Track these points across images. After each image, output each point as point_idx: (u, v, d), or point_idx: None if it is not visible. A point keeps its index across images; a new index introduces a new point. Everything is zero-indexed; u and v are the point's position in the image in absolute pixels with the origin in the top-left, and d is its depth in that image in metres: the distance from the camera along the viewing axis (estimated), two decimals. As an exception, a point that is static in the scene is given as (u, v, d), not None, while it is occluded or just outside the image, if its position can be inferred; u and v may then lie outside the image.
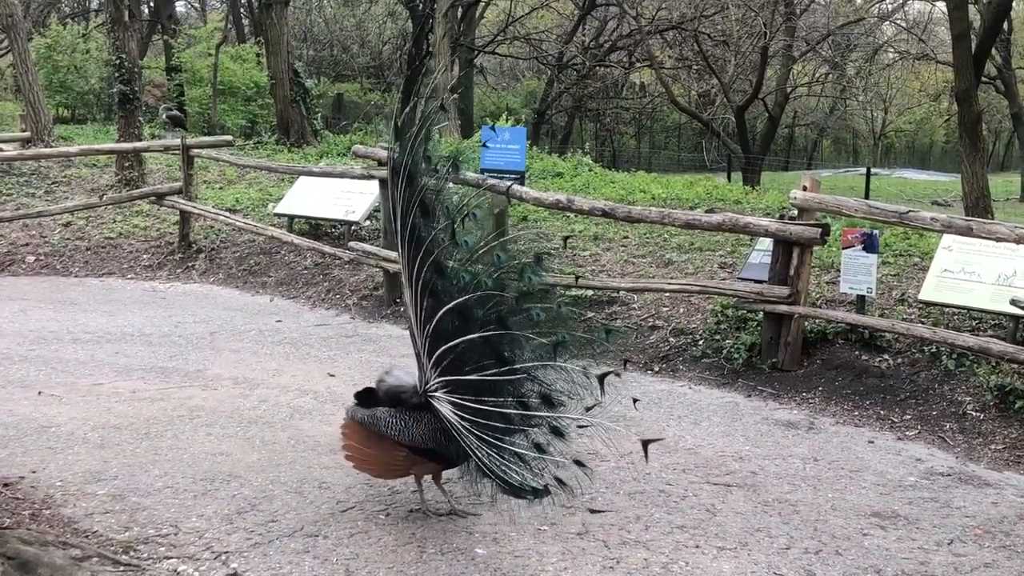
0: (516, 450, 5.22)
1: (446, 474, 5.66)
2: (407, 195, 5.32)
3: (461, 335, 5.21)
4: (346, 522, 5.50)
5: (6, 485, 5.85)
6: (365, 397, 5.62)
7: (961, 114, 16.70)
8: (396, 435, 5.38)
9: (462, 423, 5.18)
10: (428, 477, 5.66)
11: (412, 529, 5.43)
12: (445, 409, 5.24)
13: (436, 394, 5.30)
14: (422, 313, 5.32)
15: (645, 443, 5.26)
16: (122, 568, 4.72)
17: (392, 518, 5.58)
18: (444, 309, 5.22)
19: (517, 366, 5.19)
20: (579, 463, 5.27)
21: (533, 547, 5.23)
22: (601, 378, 5.16)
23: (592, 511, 5.66)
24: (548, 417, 5.22)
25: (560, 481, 5.26)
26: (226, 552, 5.09)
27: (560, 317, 5.40)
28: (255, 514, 5.59)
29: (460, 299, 5.23)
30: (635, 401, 6.00)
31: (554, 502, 5.33)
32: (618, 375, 5.25)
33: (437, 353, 5.27)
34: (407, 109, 5.50)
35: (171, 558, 5.01)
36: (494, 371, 5.19)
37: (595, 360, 5.32)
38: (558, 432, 5.25)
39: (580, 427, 5.26)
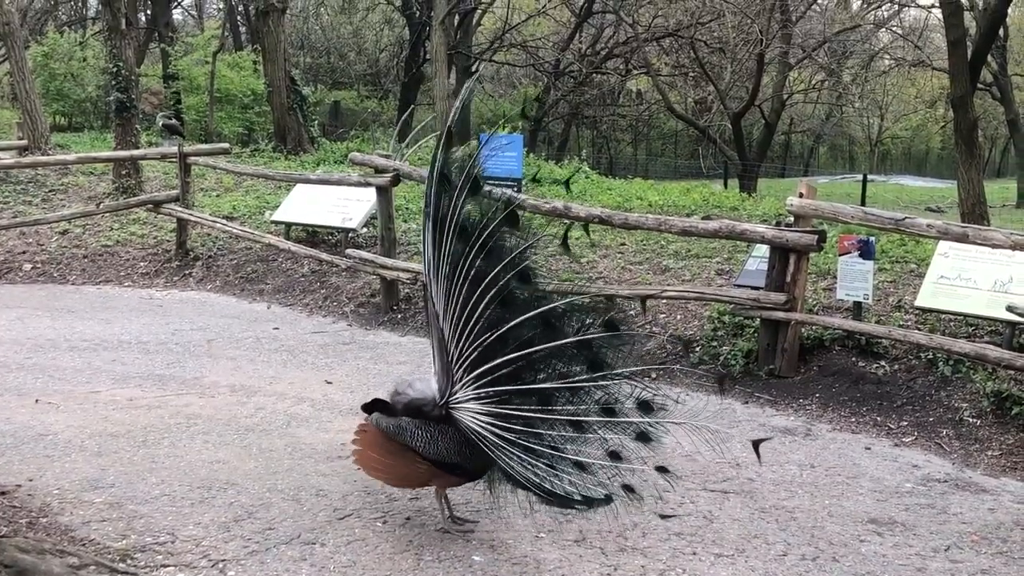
0: (580, 459, 5.14)
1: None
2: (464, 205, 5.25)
3: (543, 342, 5.12)
4: (343, 530, 5.50)
5: (3, 493, 5.85)
6: (380, 407, 5.52)
7: (957, 120, 16.70)
8: (422, 448, 5.27)
9: (498, 434, 5.08)
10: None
11: (409, 536, 5.43)
12: (474, 421, 5.15)
13: (464, 405, 5.21)
14: (467, 324, 5.18)
15: (756, 443, 5.34)
16: (119, 576, 4.72)
17: (389, 525, 5.58)
18: (522, 318, 5.13)
19: (617, 371, 5.11)
20: (662, 469, 5.21)
21: (531, 554, 5.23)
22: (756, 444, 5.18)
23: (663, 516, 5.65)
24: (640, 423, 5.13)
25: (629, 488, 5.18)
26: (223, 560, 5.09)
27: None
28: (252, 522, 5.58)
29: (546, 307, 5.17)
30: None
31: (617, 510, 5.25)
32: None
33: (487, 365, 5.14)
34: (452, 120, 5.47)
35: (168, 566, 5.01)
36: (582, 378, 5.11)
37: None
38: (644, 437, 5.15)
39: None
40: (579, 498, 5.14)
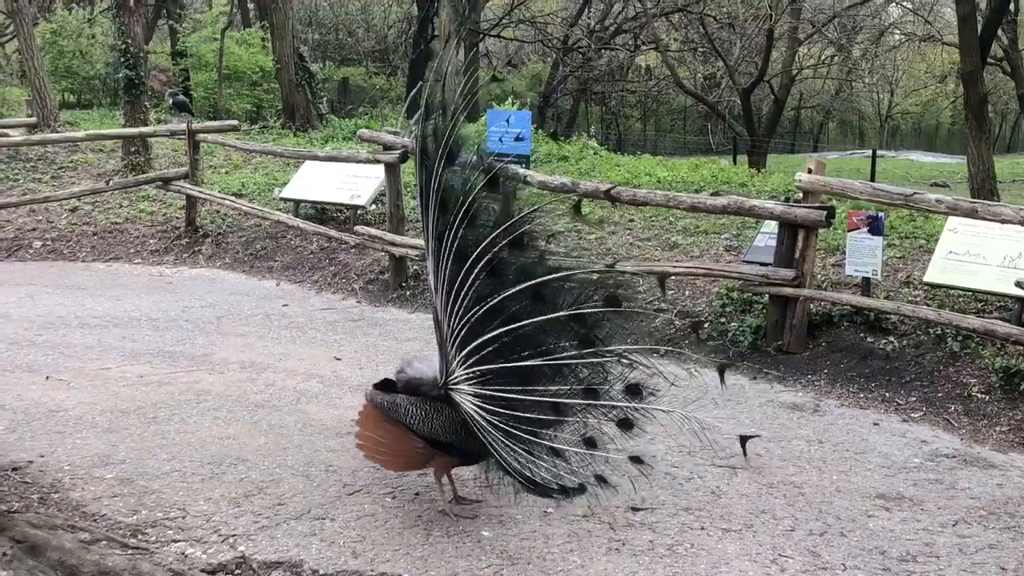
0: (555, 445, 5.09)
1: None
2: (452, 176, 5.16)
3: (531, 317, 5.01)
4: (353, 505, 5.53)
5: (15, 469, 5.88)
6: (384, 388, 5.49)
7: (967, 96, 16.64)
8: (415, 425, 5.19)
9: (485, 417, 5.01)
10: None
11: (419, 512, 5.45)
12: (467, 403, 5.08)
13: (459, 387, 5.12)
14: (456, 299, 5.08)
15: (743, 440, 5.35)
16: (130, 551, 4.75)
17: (398, 501, 5.60)
18: (511, 291, 5.02)
19: (608, 347, 5.03)
20: (636, 459, 5.18)
21: (539, 529, 5.25)
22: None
23: (635, 509, 5.53)
24: (625, 407, 5.06)
25: (602, 479, 5.17)
26: (233, 535, 5.12)
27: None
28: (262, 497, 5.61)
29: (537, 280, 5.04)
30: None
31: (589, 502, 5.27)
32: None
33: (476, 341, 5.04)
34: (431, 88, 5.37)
35: (179, 541, 5.04)
36: (571, 354, 5.02)
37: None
38: (627, 424, 5.10)
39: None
40: (556, 487, 5.12)
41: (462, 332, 5.08)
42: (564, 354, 5.06)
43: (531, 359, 5.02)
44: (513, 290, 5.02)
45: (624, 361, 5.09)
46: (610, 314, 5.07)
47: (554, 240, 5.32)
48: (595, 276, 5.33)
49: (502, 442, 5.02)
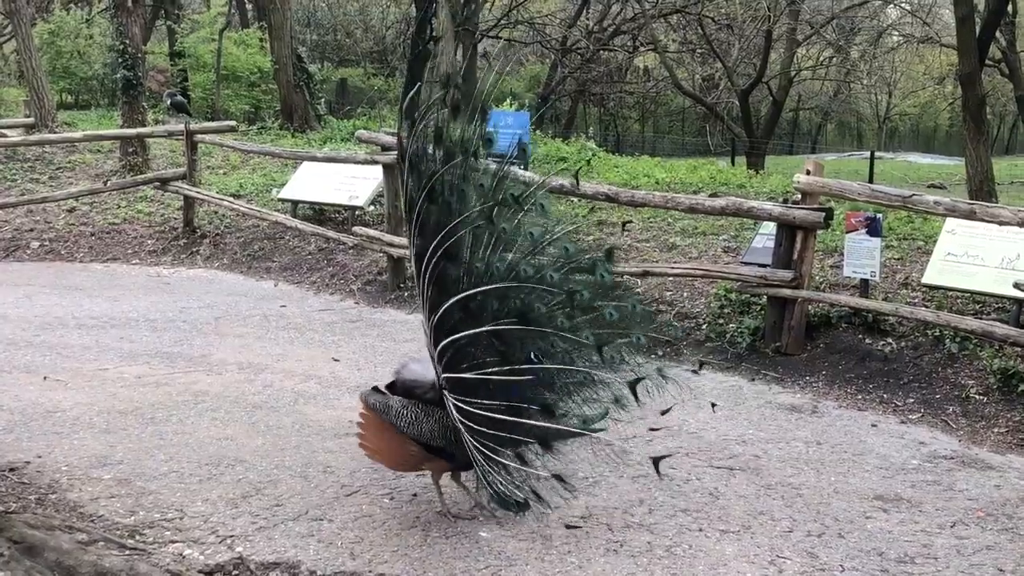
0: (502, 460, 5.11)
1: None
2: (417, 179, 5.10)
3: (464, 329, 5.02)
4: (351, 506, 5.52)
5: (12, 470, 5.88)
6: (389, 388, 5.42)
7: (965, 97, 16.64)
8: (406, 428, 5.15)
9: (462, 424, 5.04)
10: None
11: (416, 513, 5.45)
12: (451, 408, 5.09)
13: (446, 392, 5.12)
14: (426, 304, 5.14)
15: (656, 460, 5.33)
16: (128, 552, 4.74)
17: (396, 502, 5.60)
18: (452, 301, 5.01)
19: (525, 366, 4.99)
20: (559, 478, 5.19)
21: (537, 530, 5.24)
22: (632, 384, 5.15)
23: (568, 526, 5.36)
24: (540, 427, 5.05)
25: (536, 494, 5.20)
26: (231, 536, 5.12)
27: (635, 315, 5.29)
28: (260, 498, 5.61)
29: (471, 291, 5.02)
30: (713, 406, 6.30)
31: (532, 518, 5.25)
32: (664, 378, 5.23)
33: (440, 347, 5.09)
34: (412, 93, 5.39)
35: (177, 542, 5.03)
36: (495, 370, 5.01)
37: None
38: (545, 443, 5.12)
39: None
40: (511, 502, 5.14)
41: (434, 333, 5.13)
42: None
43: (483, 369, 5.04)
44: (468, 293, 5.03)
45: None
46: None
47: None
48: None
49: (473, 450, 5.04)
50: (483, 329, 5.00)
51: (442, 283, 5.09)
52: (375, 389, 5.41)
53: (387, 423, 5.23)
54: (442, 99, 5.18)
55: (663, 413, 5.64)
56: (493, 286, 5.05)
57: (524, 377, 5.02)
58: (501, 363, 5.02)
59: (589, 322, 5.16)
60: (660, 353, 5.54)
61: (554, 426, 5.08)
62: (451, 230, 5.04)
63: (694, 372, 6.09)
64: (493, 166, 5.31)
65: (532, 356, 5.06)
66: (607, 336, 5.14)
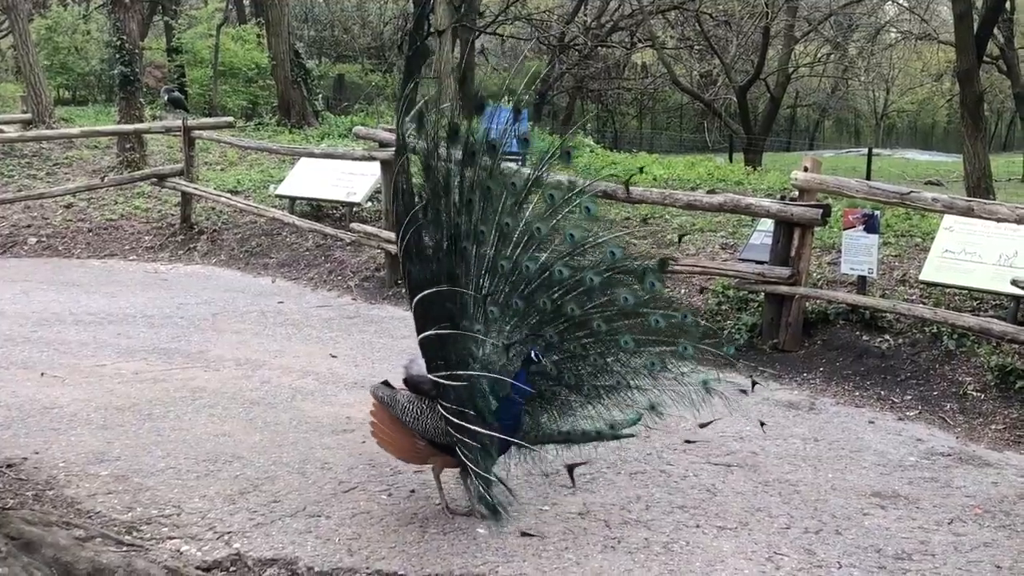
0: (468, 464, 5.07)
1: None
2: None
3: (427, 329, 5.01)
4: (348, 502, 5.52)
5: (9, 466, 5.88)
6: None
7: (963, 94, 16.64)
8: (410, 422, 5.16)
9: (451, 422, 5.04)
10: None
11: (414, 509, 5.45)
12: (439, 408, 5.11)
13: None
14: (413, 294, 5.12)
15: (570, 468, 5.35)
16: (125, 548, 4.74)
17: (394, 498, 5.59)
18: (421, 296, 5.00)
19: (458, 372, 4.95)
20: (504, 485, 5.21)
21: (535, 526, 5.24)
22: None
23: (523, 533, 5.24)
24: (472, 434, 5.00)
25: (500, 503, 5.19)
26: (229, 532, 5.12)
27: (685, 326, 5.31)
28: (257, 494, 5.61)
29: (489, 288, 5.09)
30: (762, 424, 6.36)
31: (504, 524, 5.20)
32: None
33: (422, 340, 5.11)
34: (407, 91, 5.36)
35: (174, 538, 5.03)
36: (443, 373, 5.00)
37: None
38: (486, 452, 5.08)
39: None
40: (489, 506, 5.11)
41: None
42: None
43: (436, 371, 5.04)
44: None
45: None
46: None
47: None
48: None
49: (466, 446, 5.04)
50: (430, 332, 4.99)
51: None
52: (385, 383, 5.41)
53: (395, 416, 5.24)
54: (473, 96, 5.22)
55: (702, 426, 5.67)
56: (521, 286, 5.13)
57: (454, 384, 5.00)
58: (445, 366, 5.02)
59: (630, 327, 5.19)
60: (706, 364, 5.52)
61: (517, 441, 5.12)
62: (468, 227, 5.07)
63: (744, 392, 6.05)
64: (522, 168, 5.34)
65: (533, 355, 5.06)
66: (648, 342, 5.18)
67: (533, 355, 5.04)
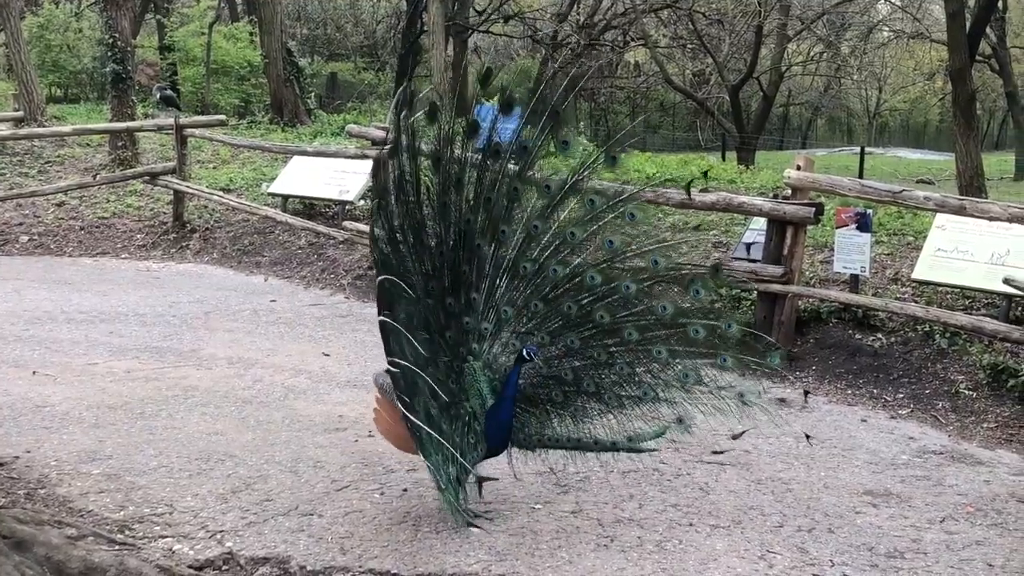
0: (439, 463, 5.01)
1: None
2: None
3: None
4: (341, 501, 5.51)
5: (1, 465, 5.86)
6: None
7: (955, 93, 16.67)
8: None
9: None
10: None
11: (407, 508, 5.44)
12: None
13: None
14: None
15: (480, 480, 5.36)
16: (117, 547, 4.73)
17: (386, 497, 5.59)
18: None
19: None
20: (481, 480, 5.25)
21: (527, 525, 5.24)
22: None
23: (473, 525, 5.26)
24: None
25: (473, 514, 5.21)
26: (221, 531, 5.11)
27: (728, 336, 5.27)
28: (250, 493, 5.60)
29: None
30: (808, 437, 6.39)
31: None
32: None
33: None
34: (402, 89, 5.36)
35: (166, 537, 5.02)
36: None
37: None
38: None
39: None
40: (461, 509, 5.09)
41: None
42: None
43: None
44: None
45: None
46: None
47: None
48: None
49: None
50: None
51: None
52: (388, 371, 5.38)
53: (396, 405, 5.20)
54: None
55: (734, 438, 5.64)
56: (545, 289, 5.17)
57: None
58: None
59: (666, 338, 5.15)
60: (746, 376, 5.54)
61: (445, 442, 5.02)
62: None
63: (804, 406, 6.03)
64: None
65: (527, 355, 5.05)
66: (685, 354, 5.15)
67: (526, 353, 5.03)
